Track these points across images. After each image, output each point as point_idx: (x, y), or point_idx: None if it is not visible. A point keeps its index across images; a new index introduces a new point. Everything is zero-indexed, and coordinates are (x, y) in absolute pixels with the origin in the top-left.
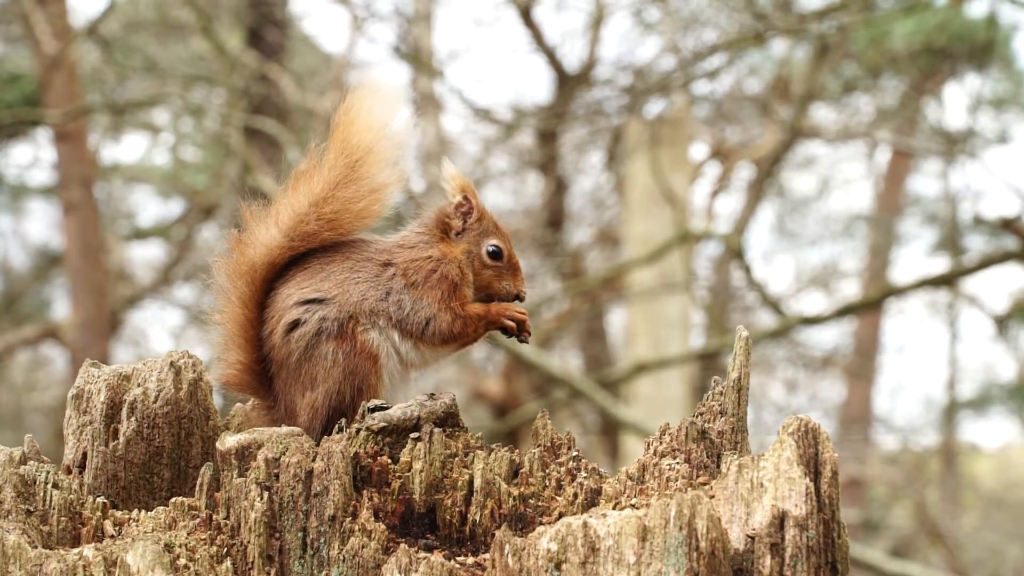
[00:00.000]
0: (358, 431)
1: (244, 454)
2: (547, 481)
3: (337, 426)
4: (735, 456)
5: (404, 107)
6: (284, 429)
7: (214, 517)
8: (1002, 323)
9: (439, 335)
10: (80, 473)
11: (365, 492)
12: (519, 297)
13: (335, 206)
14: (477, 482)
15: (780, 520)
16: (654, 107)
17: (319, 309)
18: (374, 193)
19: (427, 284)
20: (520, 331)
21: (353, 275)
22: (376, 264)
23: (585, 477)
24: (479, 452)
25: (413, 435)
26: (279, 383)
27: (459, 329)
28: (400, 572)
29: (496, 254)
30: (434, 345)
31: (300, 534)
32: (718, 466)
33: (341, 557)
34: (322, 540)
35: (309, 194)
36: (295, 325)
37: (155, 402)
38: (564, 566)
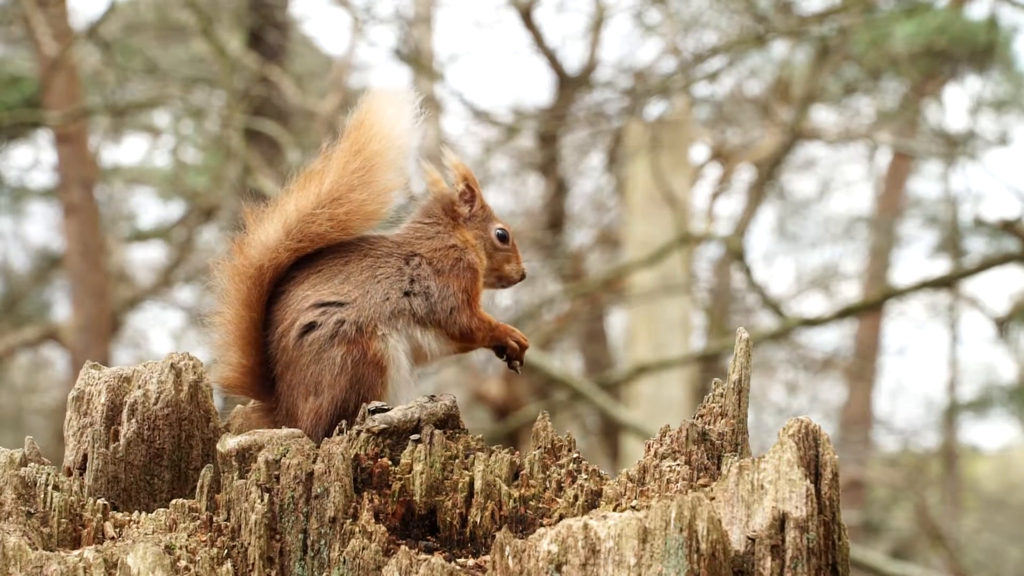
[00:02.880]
0: (358, 433)
1: (245, 456)
2: (547, 483)
3: (338, 428)
4: (736, 458)
5: (419, 114)
6: (284, 431)
7: (215, 519)
8: (1003, 325)
9: (459, 326)
10: (80, 475)
11: (366, 494)
12: (523, 275)
13: (348, 207)
14: (477, 484)
15: (781, 522)
16: (655, 109)
17: (337, 312)
18: (384, 195)
19: (453, 272)
20: (517, 356)
21: (374, 273)
22: (399, 258)
23: (585, 479)
24: (479, 454)
25: (413, 437)
26: (282, 385)
27: (475, 326)
28: (400, 574)
29: (504, 237)
30: (452, 336)
31: (301, 536)
32: (719, 468)
33: (342, 559)
34: (323, 542)
35: (317, 195)
36: (311, 328)
37: (155, 404)
38: (564, 568)
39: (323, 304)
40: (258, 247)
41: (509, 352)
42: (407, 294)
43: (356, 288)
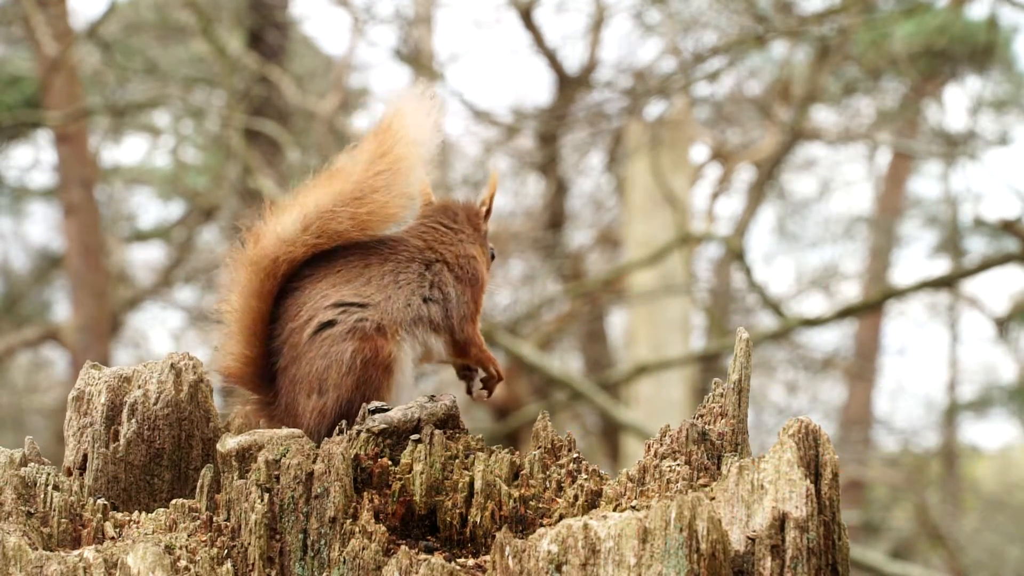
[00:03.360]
0: (358, 433)
1: (245, 456)
2: (547, 483)
3: (338, 428)
4: (736, 458)
5: (442, 120)
6: (284, 431)
7: (215, 519)
8: (1002, 325)
9: (465, 334)
10: (80, 475)
11: (366, 494)
12: None
13: (370, 208)
14: (477, 484)
15: (781, 522)
16: (655, 109)
17: (358, 311)
18: (404, 200)
19: (470, 282)
20: (491, 386)
21: (396, 278)
22: (420, 263)
23: (585, 479)
24: (479, 454)
25: (413, 437)
26: (285, 380)
27: (475, 340)
28: (400, 574)
29: (493, 257)
30: (455, 342)
31: (301, 536)
32: (719, 468)
33: (342, 559)
34: (323, 542)
35: (341, 193)
36: (329, 325)
37: (156, 404)
38: (564, 568)
39: (344, 304)
40: (273, 239)
41: (487, 377)
42: (426, 300)
43: (378, 292)
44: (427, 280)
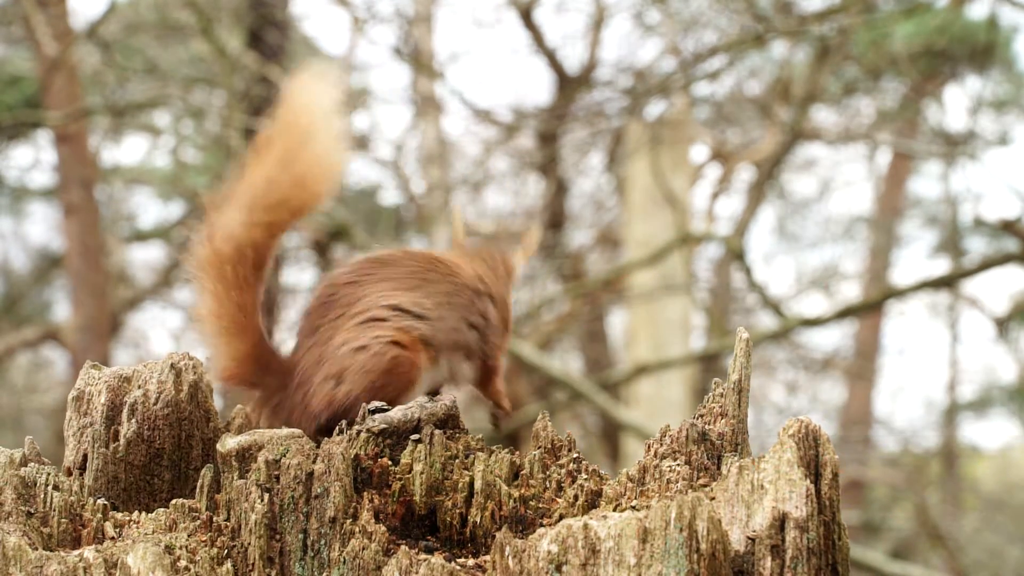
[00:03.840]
0: (358, 433)
1: (244, 456)
2: (547, 483)
3: (337, 428)
4: (736, 458)
5: (341, 85)
6: (284, 431)
7: (215, 519)
8: (1002, 325)
9: (495, 364)
10: (80, 475)
11: (366, 494)
12: None
13: (306, 160)
14: (477, 484)
15: (781, 522)
16: (655, 109)
17: (410, 320)
18: (335, 150)
19: (505, 323)
20: (500, 420)
21: (451, 300)
22: (472, 291)
23: (585, 479)
24: (480, 454)
25: (413, 437)
26: (310, 357)
27: (500, 374)
28: (400, 574)
29: None
30: (483, 371)
31: (301, 536)
32: (719, 468)
33: (342, 559)
34: (323, 542)
35: (270, 161)
36: (382, 321)
37: (156, 404)
38: (564, 568)
39: (401, 310)
40: (223, 232)
41: (497, 412)
42: (471, 326)
43: (435, 308)
44: (476, 308)
